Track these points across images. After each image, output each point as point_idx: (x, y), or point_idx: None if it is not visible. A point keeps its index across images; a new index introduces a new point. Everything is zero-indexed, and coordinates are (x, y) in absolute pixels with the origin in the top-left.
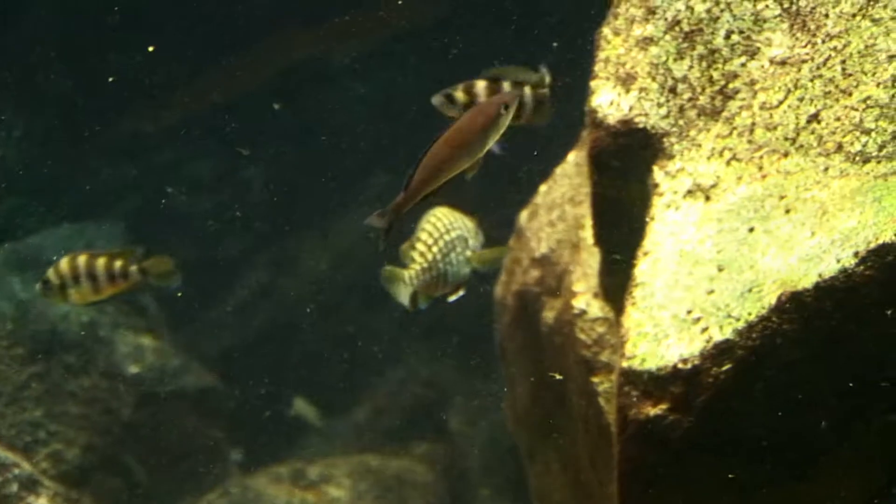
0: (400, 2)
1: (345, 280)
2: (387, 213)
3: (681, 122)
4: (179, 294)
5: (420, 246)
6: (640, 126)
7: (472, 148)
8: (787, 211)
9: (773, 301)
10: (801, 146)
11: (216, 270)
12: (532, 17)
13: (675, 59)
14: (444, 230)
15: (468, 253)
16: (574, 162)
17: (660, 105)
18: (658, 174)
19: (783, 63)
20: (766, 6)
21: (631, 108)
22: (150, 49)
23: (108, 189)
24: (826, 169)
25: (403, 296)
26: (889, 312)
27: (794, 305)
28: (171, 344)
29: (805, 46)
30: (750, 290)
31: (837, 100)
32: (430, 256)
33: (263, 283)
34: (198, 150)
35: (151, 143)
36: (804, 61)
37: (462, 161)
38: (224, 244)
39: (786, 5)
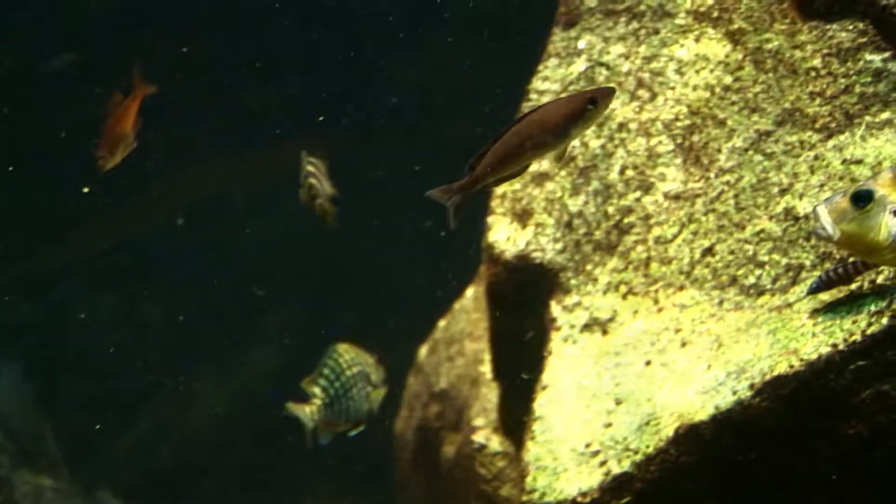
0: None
1: (243, 417)
2: (452, 190)
3: (577, 256)
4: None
5: (322, 381)
6: (537, 261)
7: (546, 140)
8: (684, 344)
9: (671, 434)
10: (696, 279)
11: (115, 408)
12: (441, 149)
13: (570, 195)
14: (345, 366)
15: (369, 388)
16: (472, 297)
17: (556, 240)
18: (555, 308)
19: (677, 197)
20: (660, 142)
21: (527, 244)
22: (85, 190)
23: (7, 326)
24: (721, 302)
25: (305, 430)
26: (785, 443)
27: (692, 438)
28: (71, 483)
29: (699, 181)
30: (648, 423)
31: (731, 233)
32: (331, 392)
33: (163, 421)
34: (98, 287)
35: (51, 278)
36: (698, 195)
37: (534, 152)
38: (124, 381)
39: (679, 141)
